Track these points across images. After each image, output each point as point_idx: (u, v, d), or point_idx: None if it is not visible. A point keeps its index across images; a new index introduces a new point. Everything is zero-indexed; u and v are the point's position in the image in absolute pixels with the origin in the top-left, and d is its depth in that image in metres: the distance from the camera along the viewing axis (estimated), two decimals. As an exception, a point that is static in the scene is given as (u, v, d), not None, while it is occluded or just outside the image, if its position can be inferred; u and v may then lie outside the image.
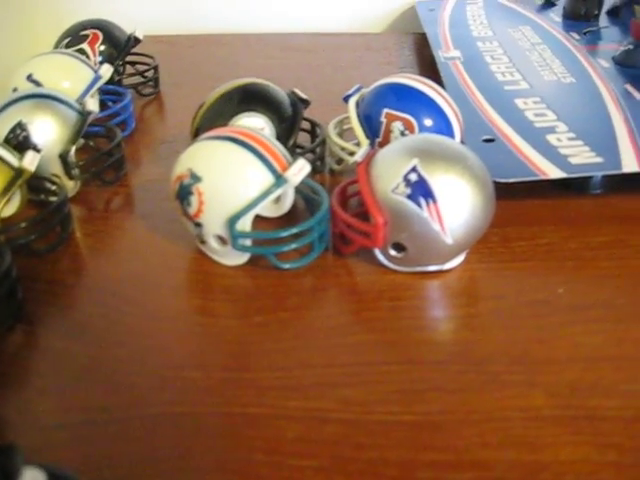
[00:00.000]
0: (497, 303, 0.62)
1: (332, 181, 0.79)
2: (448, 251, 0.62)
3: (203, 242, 0.65)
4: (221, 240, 0.64)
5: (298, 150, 0.78)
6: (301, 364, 0.55)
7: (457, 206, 0.59)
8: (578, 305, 0.61)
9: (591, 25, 1.14)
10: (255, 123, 0.74)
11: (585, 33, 1.10)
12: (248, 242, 0.64)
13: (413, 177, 0.59)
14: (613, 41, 1.05)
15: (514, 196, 0.73)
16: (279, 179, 0.62)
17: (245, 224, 0.62)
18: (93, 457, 0.48)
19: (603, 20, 1.17)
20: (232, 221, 0.62)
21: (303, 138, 0.82)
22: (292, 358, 0.56)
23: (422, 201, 0.59)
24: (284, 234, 0.63)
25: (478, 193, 0.60)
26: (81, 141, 0.81)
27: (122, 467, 0.47)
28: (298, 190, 0.67)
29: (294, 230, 0.63)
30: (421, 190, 0.59)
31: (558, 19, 1.19)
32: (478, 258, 0.66)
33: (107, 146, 0.82)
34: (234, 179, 0.62)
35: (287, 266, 0.64)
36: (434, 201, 0.59)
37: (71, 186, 0.77)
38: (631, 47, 0.96)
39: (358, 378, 0.54)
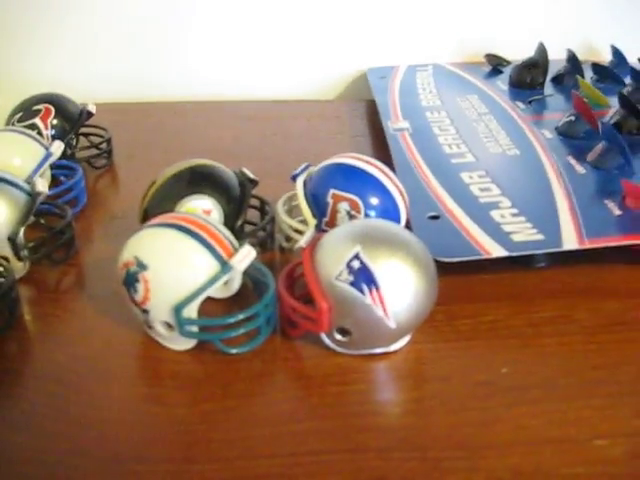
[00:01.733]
0: (442, 385, 0.62)
1: (282, 259, 0.80)
2: (392, 335, 0.63)
3: (150, 327, 0.66)
4: (168, 326, 0.64)
5: (248, 228, 0.79)
6: (245, 455, 0.55)
7: (400, 291, 0.60)
8: (521, 385, 0.62)
9: (536, 93, 1.18)
10: (203, 205, 0.75)
11: (530, 102, 1.14)
12: (195, 328, 0.64)
13: (356, 264, 0.60)
14: (557, 110, 1.08)
15: (458, 272, 0.74)
16: (225, 266, 0.63)
17: (191, 311, 0.63)
18: None
19: (548, 87, 1.21)
20: (178, 308, 0.62)
21: (253, 215, 0.83)
22: (237, 449, 0.56)
23: (365, 288, 0.60)
24: (231, 320, 0.64)
25: (421, 277, 0.61)
26: (32, 218, 0.81)
27: None
28: (246, 272, 0.67)
29: (240, 316, 0.63)
30: (364, 277, 0.60)
31: (505, 87, 1.22)
32: (424, 337, 0.67)
33: (58, 223, 0.82)
34: (180, 267, 0.63)
35: (234, 351, 0.65)
36: (377, 287, 0.60)
37: (20, 267, 0.77)
38: (572, 118, 0.99)
39: (301, 469, 0.54)
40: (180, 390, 0.63)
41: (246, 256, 0.63)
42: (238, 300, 0.69)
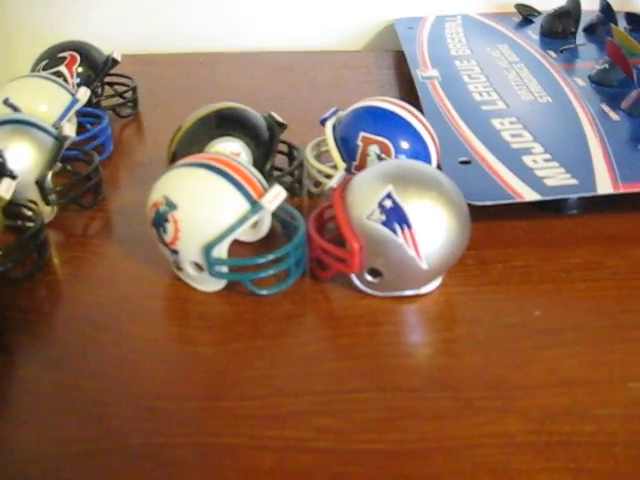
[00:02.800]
0: (473, 327, 0.62)
1: (310, 204, 0.79)
2: (424, 276, 0.62)
3: (180, 269, 0.65)
4: (197, 267, 0.64)
5: (276, 173, 0.79)
6: (277, 393, 0.55)
7: (432, 232, 0.60)
8: (553, 328, 0.61)
9: (568, 42, 1.15)
10: (232, 148, 0.74)
11: (562, 51, 1.11)
12: (225, 269, 0.64)
13: (388, 203, 0.59)
14: (589, 59, 1.06)
15: (490, 218, 0.74)
16: (255, 206, 0.62)
17: (221, 251, 0.62)
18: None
19: (580, 37, 1.19)
20: (208, 248, 0.62)
21: (281, 160, 0.82)
22: (268, 386, 0.56)
23: (397, 227, 0.59)
24: (261, 261, 0.63)
25: (453, 218, 0.60)
26: (58, 165, 0.81)
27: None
28: (275, 215, 0.67)
29: (271, 257, 0.63)
30: (396, 216, 0.59)
31: (535, 37, 1.20)
32: (454, 281, 0.66)
33: (85, 170, 0.81)
34: (210, 206, 0.62)
35: (264, 292, 0.64)
36: (409, 227, 0.59)
37: (48, 212, 0.77)
38: (607, 66, 0.97)
39: (334, 406, 0.54)
40: (209, 330, 0.63)
41: (276, 196, 0.63)
42: (267, 243, 0.69)
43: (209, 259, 0.62)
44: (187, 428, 0.52)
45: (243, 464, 0.49)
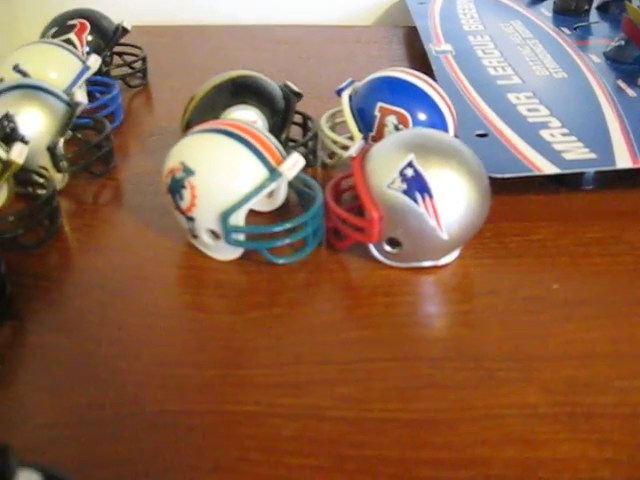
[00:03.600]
0: (491, 299, 0.61)
1: (324, 175, 0.79)
2: (443, 247, 0.62)
3: (195, 236, 0.65)
4: (214, 234, 0.63)
5: (290, 143, 0.78)
6: (296, 361, 0.55)
7: (453, 201, 0.59)
8: (572, 301, 0.61)
9: (581, 20, 1.14)
10: (247, 116, 0.73)
11: (575, 28, 1.10)
12: (241, 237, 0.63)
13: (409, 172, 0.58)
14: (603, 36, 1.05)
15: (507, 191, 0.73)
16: (273, 173, 0.61)
17: (238, 218, 0.62)
18: (85, 456, 0.47)
19: (593, 15, 1.17)
20: (225, 215, 0.61)
21: (295, 131, 0.81)
22: (286, 355, 0.55)
23: (418, 196, 0.58)
24: (278, 229, 0.63)
25: (474, 188, 0.60)
26: (69, 133, 0.80)
27: (114, 466, 0.47)
28: (291, 184, 0.66)
29: (288, 225, 0.62)
30: (417, 185, 0.58)
31: (548, 14, 1.18)
32: (472, 254, 0.66)
33: (95, 138, 0.80)
34: (228, 173, 0.62)
35: (281, 261, 0.64)
36: (430, 196, 0.58)
37: (59, 179, 0.76)
38: (622, 43, 0.96)
39: (354, 375, 0.53)
40: (225, 298, 0.62)
41: (295, 164, 0.62)
42: (283, 213, 0.68)
43: (226, 226, 0.61)
44: (204, 396, 0.52)
45: (262, 432, 0.49)
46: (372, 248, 0.63)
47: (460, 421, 0.49)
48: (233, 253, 0.64)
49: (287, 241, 0.63)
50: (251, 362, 0.55)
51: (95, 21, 1.01)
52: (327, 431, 0.48)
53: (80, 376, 0.54)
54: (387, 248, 0.62)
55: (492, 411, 0.50)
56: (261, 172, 0.61)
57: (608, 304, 0.60)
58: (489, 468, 0.46)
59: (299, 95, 0.78)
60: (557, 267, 0.65)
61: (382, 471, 0.46)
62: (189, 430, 0.49)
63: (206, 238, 0.64)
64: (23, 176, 0.72)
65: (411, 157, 0.59)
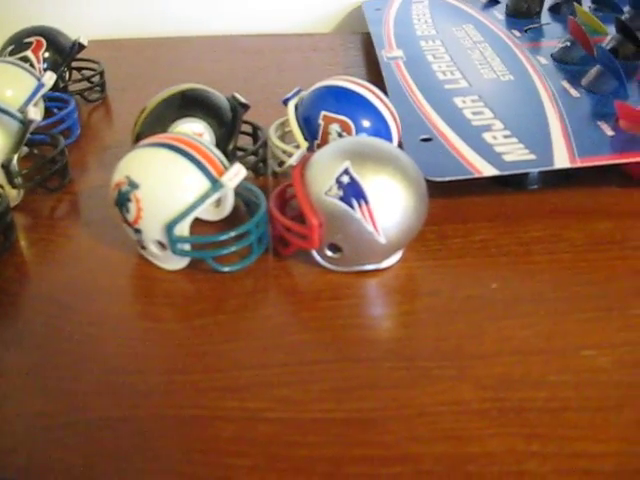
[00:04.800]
0: (432, 300, 0.63)
1: (275, 183, 0.80)
2: (383, 250, 0.63)
3: (143, 247, 0.66)
4: (160, 245, 0.65)
5: (240, 153, 0.79)
6: (238, 365, 0.56)
7: (389, 206, 0.61)
8: (510, 300, 0.63)
9: (533, 22, 1.16)
10: (194, 128, 0.75)
11: (526, 30, 1.12)
12: (187, 246, 0.65)
13: (345, 179, 0.60)
14: (554, 38, 1.07)
15: (452, 194, 0.75)
16: (215, 184, 0.63)
17: (183, 229, 0.63)
18: (32, 463, 0.49)
19: (545, 17, 1.20)
20: (170, 226, 0.63)
21: (247, 142, 0.83)
22: (229, 360, 0.57)
23: (354, 202, 0.60)
24: (223, 237, 0.64)
25: (410, 193, 0.62)
26: (25, 149, 0.81)
27: (62, 472, 0.48)
28: (238, 194, 0.68)
29: (232, 233, 0.64)
30: (353, 192, 0.60)
31: (501, 17, 1.21)
32: (415, 256, 0.68)
33: (51, 153, 0.82)
34: (171, 185, 0.63)
35: (226, 269, 0.65)
36: (366, 202, 0.60)
37: (14, 195, 0.77)
38: (568, 44, 0.99)
39: (293, 377, 0.55)
40: (173, 307, 0.64)
41: (236, 174, 0.64)
42: (231, 222, 0.70)
43: (171, 237, 0.63)
44: (149, 401, 0.53)
45: (203, 434, 0.50)
46: (315, 254, 0.65)
47: (393, 419, 0.51)
48: (180, 262, 0.66)
49: (232, 249, 0.65)
50: (196, 367, 0.56)
51: (51, 38, 1.02)
52: (264, 432, 0.50)
53: (31, 386, 0.55)
54: (329, 253, 0.64)
55: (425, 409, 0.52)
56: (204, 183, 0.63)
57: (545, 301, 0.62)
58: (419, 464, 0.48)
59: (246, 106, 0.79)
60: (497, 266, 0.67)
61: (315, 470, 0.47)
62: (133, 435, 0.51)
63: (153, 249, 0.65)
64: (-23, 193, 0.73)
65: (347, 164, 0.60)
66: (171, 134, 0.70)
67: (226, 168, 0.65)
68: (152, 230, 0.64)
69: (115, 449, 0.50)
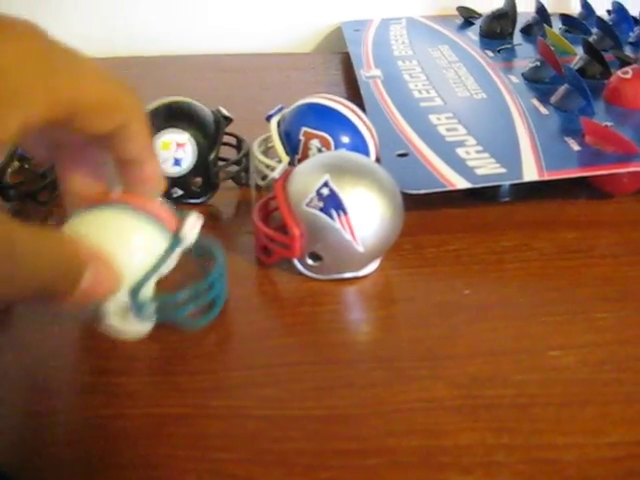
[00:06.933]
0: (407, 305, 0.67)
1: (258, 196, 0.83)
2: (361, 259, 0.67)
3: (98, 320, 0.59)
4: (122, 314, 0.58)
5: (221, 163, 0.83)
6: (223, 367, 0.59)
7: (367, 217, 0.64)
8: (482, 305, 0.66)
9: (505, 43, 1.21)
10: (178, 138, 0.78)
11: (499, 51, 1.17)
12: (153, 310, 0.59)
13: (325, 191, 0.64)
14: (525, 58, 1.11)
15: (427, 206, 0.78)
16: (174, 239, 0.58)
17: (147, 292, 0.58)
18: (24, 461, 0.52)
19: (517, 38, 1.24)
20: (134, 292, 0.57)
21: (231, 153, 0.86)
22: (214, 362, 0.60)
23: (334, 213, 0.64)
24: (181, 297, 0.60)
25: (387, 205, 0.65)
26: (16, 164, 0.84)
27: (51, 470, 0.51)
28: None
29: (192, 291, 0.60)
30: (332, 203, 0.64)
31: (475, 37, 1.25)
32: (391, 265, 0.71)
33: (41, 168, 0.85)
34: (126, 249, 0.56)
35: (196, 324, 0.62)
36: (345, 213, 0.63)
37: (6, 208, 0.80)
38: (538, 64, 1.03)
39: (277, 377, 0.58)
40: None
41: (194, 225, 0.59)
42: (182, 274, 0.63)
43: (136, 303, 0.57)
44: (136, 401, 0.56)
45: (190, 431, 0.53)
46: (296, 262, 0.68)
47: (370, 415, 0.54)
48: (143, 328, 0.60)
49: (191, 308, 0.61)
50: (181, 369, 0.59)
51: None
52: (249, 428, 0.53)
53: (21, 386, 0.59)
54: (310, 262, 0.67)
55: (400, 406, 0.55)
56: (161, 241, 0.57)
57: (514, 306, 0.66)
58: (395, 456, 0.51)
59: (229, 119, 0.83)
60: (469, 274, 0.71)
61: (297, 462, 0.50)
62: (120, 432, 0.53)
63: (114, 319, 0.58)
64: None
65: (326, 177, 0.64)
66: (115, 192, 0.57)
67: (181, 220, 0.58)
68: (113, 299, 0.56)
69: (102, 446, 0.52)
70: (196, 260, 0.64)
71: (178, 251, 0.58)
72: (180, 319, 0.61)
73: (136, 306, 0.58)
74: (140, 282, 0.57)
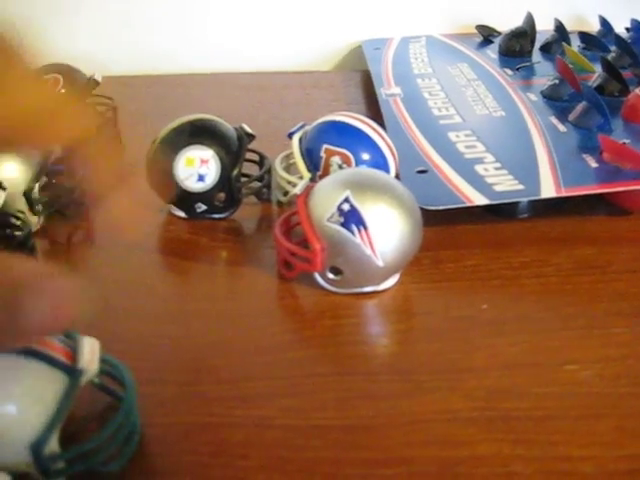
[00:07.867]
0: (426, 319, 0.68)
1: (279, 212, 0.85)
2: (380, 273, 0.68)
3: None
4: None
5: (244, 179, 0.85)
6: (246, 378, 0.61)
7: (387, 232, 0.66)
8: (499, 319, 0.67)
9: (524, 61, 1.22)
10: (202, 155, 0.80)
11: (518, 69, 1.18)
12: (63, 464, 0.49)
13: (346, 207, 0.65)
14: (544, 76, 1.12)
15: (446, 222, 0.80)
16: (73, 373, 0.49)
17: (54, 445, 0.48)
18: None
19: (536, 56, 1.26)
20: (37, 448, 0.47)
21: (254, 170, 0.88)
22: (239, 372, 0.61)
23: (354, 228, 0.65)
24: (91, 446, 0.50)
25: (406, 220, 0.67)
26: (44, 179, 0.86)
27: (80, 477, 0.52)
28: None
29: (104, 435, 0.51)
30: (353, 218, 0.65)
31: (494, 56, 1.27)
32: (411, 279, 0.72)
33: (68, 183, 0.87)
34: (19, 400, 0.47)
35: (112, 467, 0.52)
36: (365, 228, 0.65)
37: (34, 221, 0.82)
38: (557, 82, 1.04)
39: (298, 388, 0.59)
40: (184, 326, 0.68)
41: (92, 352, 0.51)
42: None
43: (41, 460, 0.47)
44: (165, 410, 0.58)
45: (214, 439, 0.55)
46: (317, 276, 0.70)
47: (389, 426, 0.55)
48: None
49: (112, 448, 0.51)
50: (207, 379, 0.61)
51: (68, 75, 1.07)
52: (272, 437, 0.55)
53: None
54: (330, 276, 0.69)
55: (418, 417, 0.56)
56: (59, 379, 0.49)
57: (531, 321, 0.67)
58: (413, 466, 0.52)
59: (252, 136, 0.85)
60: (487, 289, 0.72)
61: (318, 470, 0.52)
62: (149, 440, 0.55)
63: None
64: (1, 219, 0.78)
65: (347, 193, 0.66)
66: None
67: (74, 349, 0.50)
68: (11, 461, 0.47)
69: (136, 452, 0.54)
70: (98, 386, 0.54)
71: (82, 384, 0.50)
72: (97, 467, 0.51)
73: (41, 465, 0.47)
74: (42, 436, 0.47)
